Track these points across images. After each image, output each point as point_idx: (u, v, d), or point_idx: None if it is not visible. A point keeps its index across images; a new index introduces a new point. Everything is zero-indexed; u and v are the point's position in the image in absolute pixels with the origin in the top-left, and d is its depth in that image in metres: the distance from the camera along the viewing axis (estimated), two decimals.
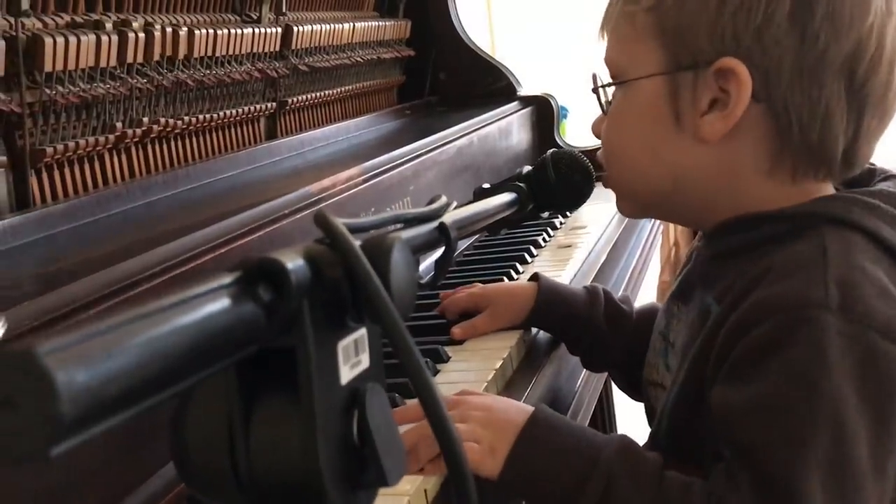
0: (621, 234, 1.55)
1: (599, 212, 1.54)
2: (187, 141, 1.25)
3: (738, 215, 0.74)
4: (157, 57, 1.15)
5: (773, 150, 0.72)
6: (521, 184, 0.87)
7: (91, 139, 1.06)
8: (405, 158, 1.30)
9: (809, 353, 0.64)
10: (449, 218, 0.60)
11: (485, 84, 1.98)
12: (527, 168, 0.92)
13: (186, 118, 1.22)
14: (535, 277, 1.02)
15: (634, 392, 0.94)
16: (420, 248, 0.53)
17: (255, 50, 1.36)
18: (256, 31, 1.35)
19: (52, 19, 1.03)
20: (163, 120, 1.18)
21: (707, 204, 0.76)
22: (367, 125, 1.63)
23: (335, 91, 1.64)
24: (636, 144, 0.77)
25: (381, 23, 1.79)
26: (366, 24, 1.72)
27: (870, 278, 0.66)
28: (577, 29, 3.44)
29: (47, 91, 0.99)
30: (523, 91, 1.97)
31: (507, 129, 1.75)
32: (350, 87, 1.69)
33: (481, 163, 1.59)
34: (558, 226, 1.52)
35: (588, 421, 1.11)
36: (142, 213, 1.03)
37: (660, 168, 0.76)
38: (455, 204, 0.92)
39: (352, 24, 1.65)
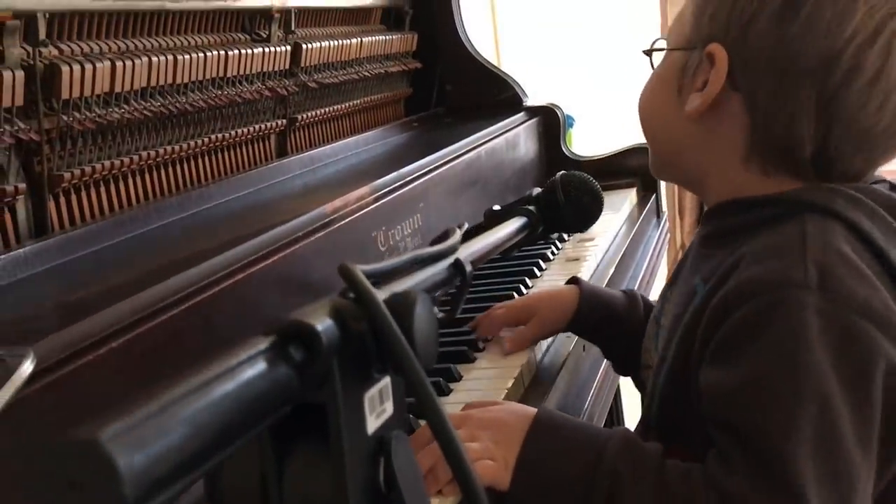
0: (629, 246, 1.57)
1: (607, 223, 1.55)
2: (200, 161, 1.27)
3: (727, 199, 0.79)
4: (169, 80, 1.16)
5: (746, 138, 0.77)
6: (530, 207, 0.89)
7: (107, 163, 1.08)
8: (414, 175, 1.31)
9: (791, 332, 0.67)
10: (463, 252, 0.62)
11: (491, 95, 2.00)
12: (536, 190, 0.94)
13: (199, 139, 1.24)
14: (573, 281, 1.04)
15: None
16: (438, 287, 0.55)
17: (265, 69, 1.38)
18: (266, 50, 1.37)
19: (68, 46, 1.05)
20: (176, 142, 1.20)
21: (700, 178, 0.83)
22: (375, 139, 1.65)
23: (344, 106, 1.66)
24: (651, 108, 0.86)
25: (388, 36, 1.81)
26: (373, 38, 1.74)
27: (846, 261, 0.69)
28: (582, 37, 3.46)
29: (64, 117, 1.01)
30: (529, 101, 1.99)
31: (514, 141, 1.77)
32: (358, 102, 1.71)
33: (489, 176, 1.61)
34: (566, 238, 1.54)
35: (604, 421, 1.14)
36: (158, 235, 1.05)
37: (662, 133, 0.85)
38: (466, 227, 0.94)
39: (359, 40, 1.67)
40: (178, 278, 0.81)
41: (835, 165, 0.75)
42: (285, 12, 1.46)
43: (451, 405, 0.90)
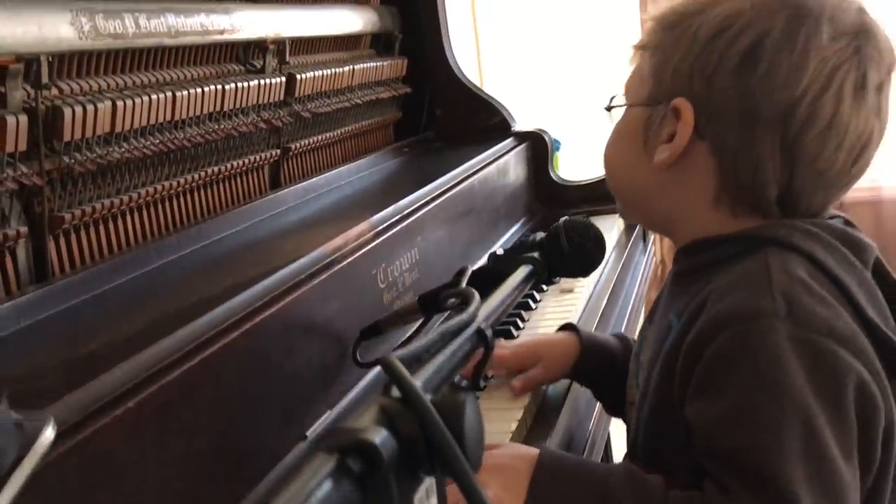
0: (620, 273, 1.59)
1: None
2: (196, 195, 1.26)
3: (695, 239, 0.83)
4: (168, 117, 1.16)
5: (715, 185, 0.81)
6: (535, 254, 0.90)
7: (106, 202, 1.07)
8: (411, 209, 1.31)
9: (768, 358, 0.71)
10: (482, 317, 0.62)
11: (479, 119, 2.01)
12: (539, 235, 0.95)
13: (195, 173, 1.24)
14: (568, 327, 1.07)
15: None
16: (465, 360, 0.56)
17: (260, 101, 1.38)
18: (262, 82, 1.37)
19: (68, 85, 1.04)
20: (173, 177, 1.20)
21: (670, 222, 0.87)
22: (368, 166, 1.65)
23: (335, 133, 1.66)
24: (618, 161, 0.89)
25: (379, 63, 1.81)
26: (365, 65, 1.74)
27: (809, 288, 0.74)
28: (565, 61, 3.48)
29: (65, 159, 1.01)
30: (517, 126, 2.00)
31: (504, 168, 1.78)
32: (350, 128, 1.72)
33: (482, 205, 1.62)
34: None
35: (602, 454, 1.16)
36: (159, 277, 1.04)
37: (631, 184, 0.88)
38: (470, 272, 0.95)
39: (351, 68, 1.68)
40: (187, 330, 0.81)
41: (798, 204, 0.80)
42: (279, 43, 1.46)
43: None
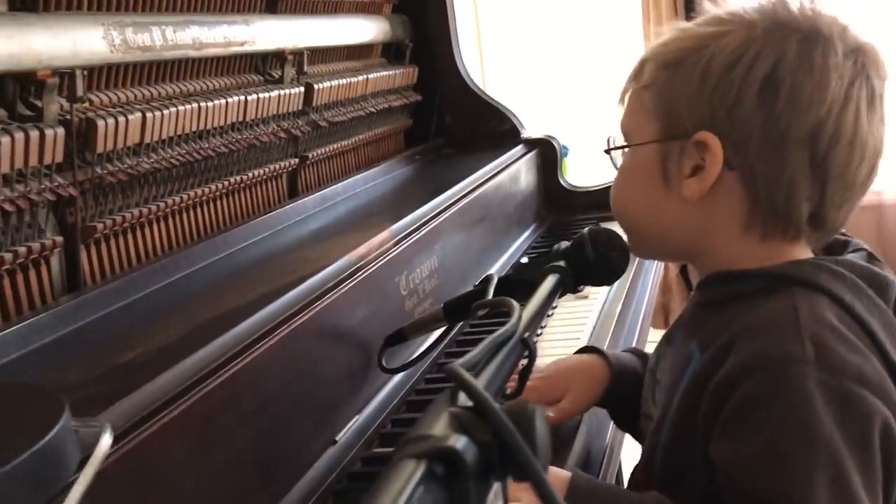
0: (632, 280, 1.61)
1: None
2: (219, 204, 1.28)
3: (721, 270, 0.84)
4: (194, 128, 1.18)
5: (745, 212, 0.81)
6: (560, 263, 0.92)
7: (136, 211, 1.09)
8: (429, 216, 1.34)
9: (798, 403, 0.72)
10: (522, 327, 0.65)
11: (489, 126, 2.03)
12: (563, 244, 0.96)
13: (218, 183, 1.26)
14: (592, 350, 1.05)
15: None
16: (512, 369, 0.58)
17: (280, 111, 1.40)
18: (282, 92, 1.39)
19: (97, 97, 1.07)
20: (198, 186, 1.22)
21: (692, 254, 0.88)
22: (382, 174, 1.68)
23: (350, 141, 1.68)
24: (634, 201, 0.88)
25: (392, 72, 1.84)
26: (378, 74, 1.76)
27: (837, 333, 0.75)
28: (569, 65, 3.51)
29: (98, 170, 1.03)
30: (527, 133, 2.03)
31: (515, 175, 1.80)
32: (363, 136, 1.74)
33: (495, 212, 1.64)
34: None
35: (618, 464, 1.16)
36: (188, 285, 1.06)
37: (652, 221, 0.87)
38: (496, 280, 0.97)
39: (365, 76, 1.70)
40: (227, 337, 0.83)
41: (827, 218, 0.82)
42: (297, 53, 1.48)
43: None
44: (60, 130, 0.95)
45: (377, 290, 1.13)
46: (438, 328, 1.09)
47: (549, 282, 0.86)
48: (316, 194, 1.45)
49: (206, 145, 1.22)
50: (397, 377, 1.12)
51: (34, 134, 0.92)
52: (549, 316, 1.37)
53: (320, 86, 1.51)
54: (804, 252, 0.84)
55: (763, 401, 0.73)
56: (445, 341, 1.13)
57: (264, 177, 1.39)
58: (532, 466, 0.39)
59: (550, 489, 0.39)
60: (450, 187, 1.48)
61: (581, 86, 3.35)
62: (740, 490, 0.74)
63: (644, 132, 0.85)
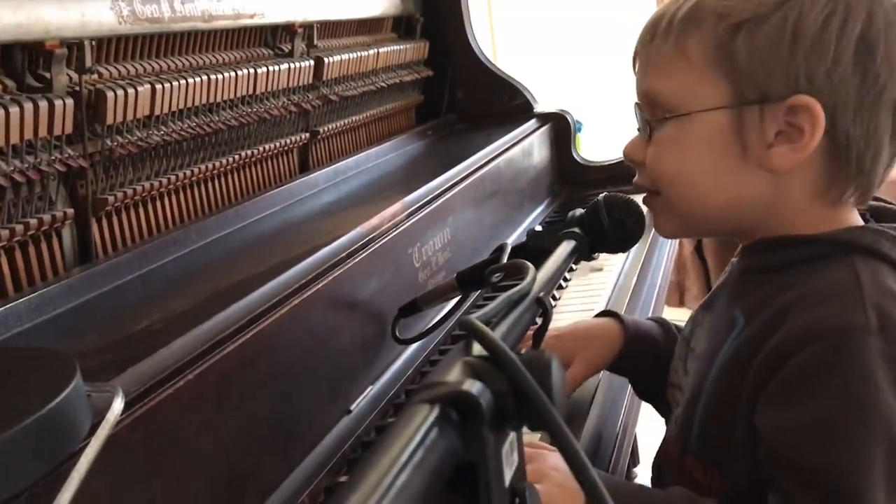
0: (647, 252, 1.59)
1: None
2: (230, 178, 1.28)
3: (775, 236, 0.79)
4: (204, 100, 1.18)
5: (827, 176, 0.77)
6: (575, 229, 0.90)
7: (146, 184, 1.09)
8: (442, 189, 1.33)
9: (858, 375, 0.69)
10: (538, 288, 0.64)
11: (501, 101, 2.01)
12: (578, 211, 0.95)
13: (229, 157, 1.26)
14: (610, 314, 1.03)
15: None
16: (527, 327, 0.57)
17: (290, 84, 1.39)
18: (292, 66, 1.38)
19: (106, 69, 1.06)
20: (209, 159, 1.21)
21: (755, 225, 0.81)
22: (394, 149, 1.66)
23: (361, 116, 1.67)
24: (697, 172, 0.80)
25: (402, 46, 1.82)
26: (389, 48, 1.75)
27: None
28: (581, 39, 3.48)
29: (107, 142, 1.02)
30: (539, 108, 2.01)
31: (528, 149, 1.79)
32: (374, 112, 1.73)
33: (508, 186, 1.63)
34: None
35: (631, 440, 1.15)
36: (201, 257, 1.06)
37: (720, 194, 0.80)
38: (510, 248, 0.96)
39: (376, 51, 1.68)
40: (241, 304, 0.83)
41: (883, 180, 0.79)
42: (307, 27, 1.47)
43: None
44: (70, 101, 0.94)
45: (390, 261, 1.12)
46: (452, 298, 1.08)
47: (565, 247, 0.85)
48: (328, 168, 1.44)
49: (217, 119, 1.21)
50: (411, 348, 1.12)
51: (43, 104, 0.91)
52: (563, 288, 1.36)
53: (330, 59, 1.50)
54: (859, 219, 0.81)
55: (820, 371, 0.70)
56: (459, 312, 1.12)
57: (275, 151, 1.38)
58: (549, 413, 0.38)
59: (568, 435, 0.38)
60: (462, 162, 1.47)
61: (594, 61, 3.31)
62: (784, 459, 0.71)
63: (705, 97, 0.77)
